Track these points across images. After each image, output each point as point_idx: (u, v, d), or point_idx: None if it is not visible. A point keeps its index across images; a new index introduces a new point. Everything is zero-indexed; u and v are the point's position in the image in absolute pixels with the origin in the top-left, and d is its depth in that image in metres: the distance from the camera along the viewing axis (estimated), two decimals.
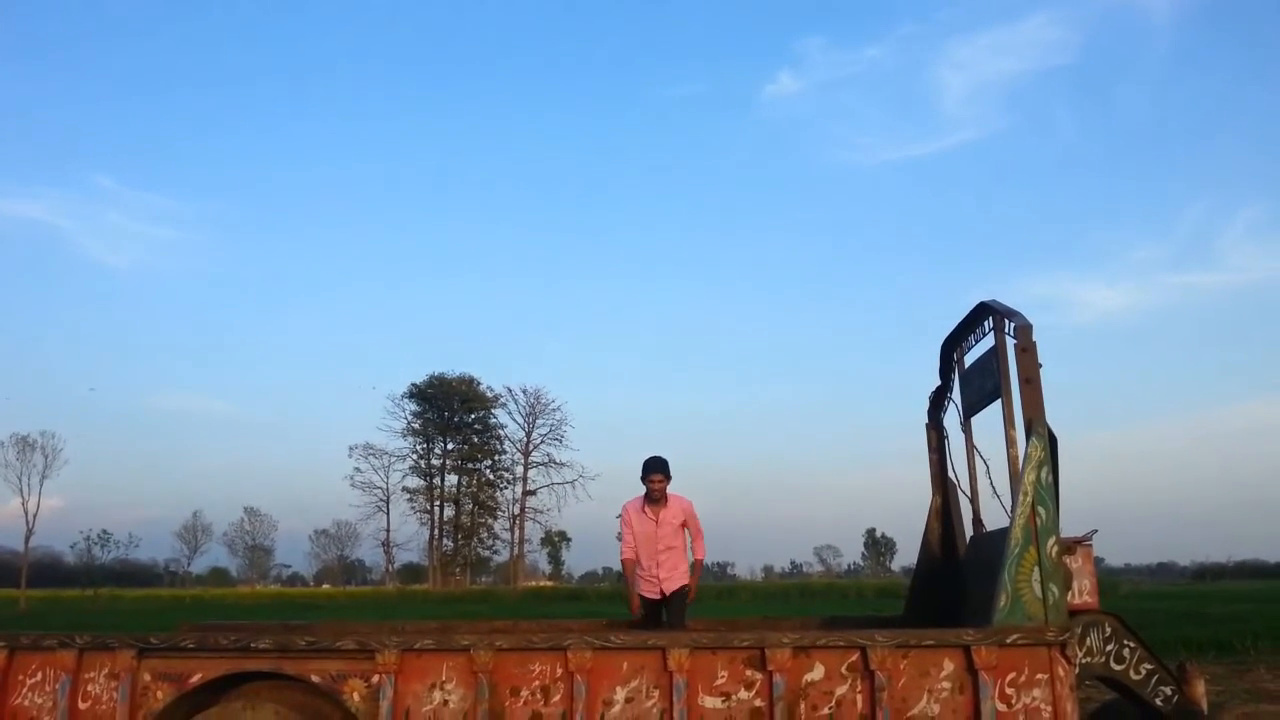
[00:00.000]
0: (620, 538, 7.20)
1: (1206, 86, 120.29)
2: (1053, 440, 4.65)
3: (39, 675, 4.43)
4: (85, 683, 4.40)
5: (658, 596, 6.90)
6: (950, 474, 6.06)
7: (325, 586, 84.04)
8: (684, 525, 7.06)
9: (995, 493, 5.16)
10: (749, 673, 4.25)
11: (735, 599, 45.51)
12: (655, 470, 6.88)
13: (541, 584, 74.13)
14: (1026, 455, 4.57)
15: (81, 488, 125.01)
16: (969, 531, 5.86)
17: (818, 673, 4.24)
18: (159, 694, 4.36)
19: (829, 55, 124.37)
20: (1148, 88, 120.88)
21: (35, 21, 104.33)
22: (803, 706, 4.20)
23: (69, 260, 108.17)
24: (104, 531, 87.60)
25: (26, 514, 56.32)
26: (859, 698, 4.21)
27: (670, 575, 6.94)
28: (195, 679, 4.38)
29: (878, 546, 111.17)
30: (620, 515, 7.16)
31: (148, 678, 4.39)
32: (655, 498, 6.90)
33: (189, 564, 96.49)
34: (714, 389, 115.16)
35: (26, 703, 4.43)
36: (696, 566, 7.14)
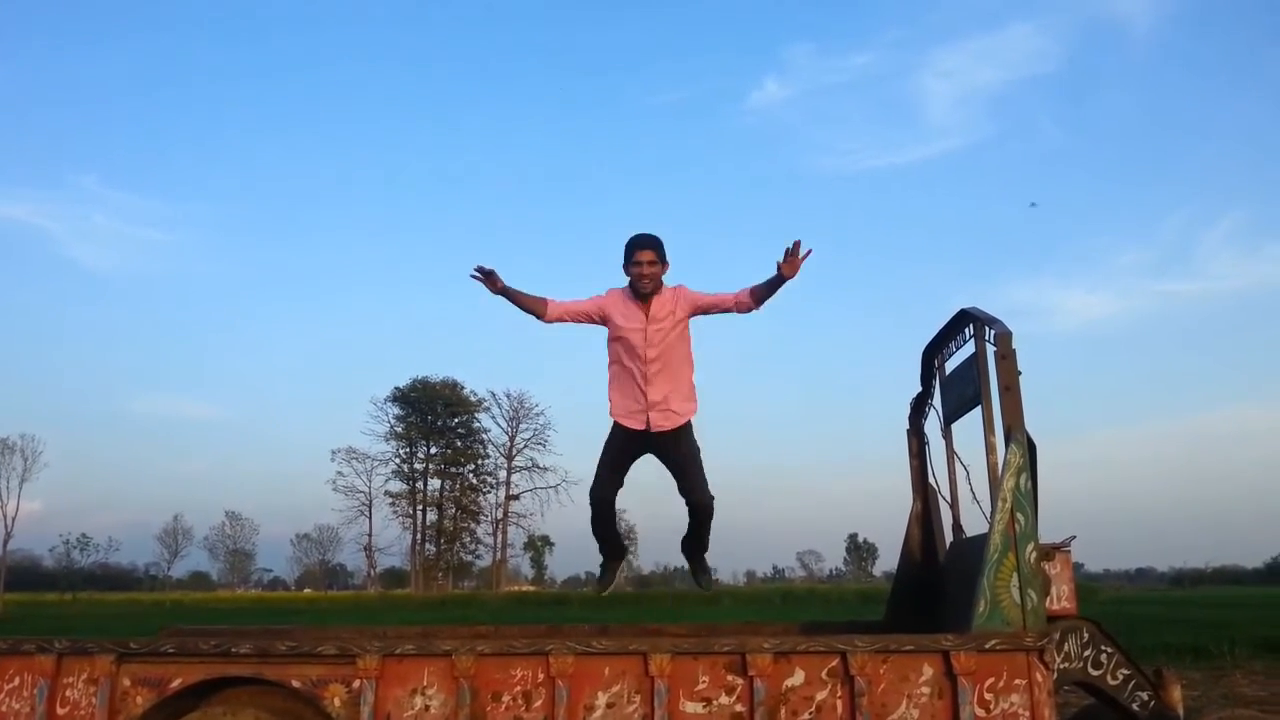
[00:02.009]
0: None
1: (1187, 95, 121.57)
2: (1032, 447, 4.69)
3: (16, 680, 4.40)
4: (64, 688, 4.37)
5: (642, 428, 5.07)
6: (931, 480, 6.10)
7: (307, 591, 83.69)
8: (686, 323, 5.09)
9: (975, 499, 5.19)
10: (730, 678, 4.27)
11: (717, 604, 45.50)
12: (644, 246, 5.00)
13: (524, 589, 74.06)
14: (1006, 462, 4.61)
15: (61, 491, 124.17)
16: (949, 537, 5.89)
17: (798, 678, 4.26)
18: (138, 699, 4.34)
19: (816, 62, 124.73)
20: (1129, 96, 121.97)
21: (17, 21, 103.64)
22: (783, 712, 4.22)
23: (49, 261, 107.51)
24: (83, 535, 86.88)
25: (5, 517, 56.08)
26: (839, 703, 4.23)
27: (663, 401, 5.02)
28: (175, 684, 4.36)
29: (860, 551, 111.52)
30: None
31: (127, 683, 4.36)
32: (644, 290, 4.99)
33: (169, 568, 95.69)
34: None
35: (4, 708, 4.40)
36: (756, 289, 5.02)
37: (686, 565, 5.75)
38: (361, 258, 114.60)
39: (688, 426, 5.14)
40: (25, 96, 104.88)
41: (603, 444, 5.27)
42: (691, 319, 5.15)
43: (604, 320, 5.11)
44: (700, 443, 5.28)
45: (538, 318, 5.10)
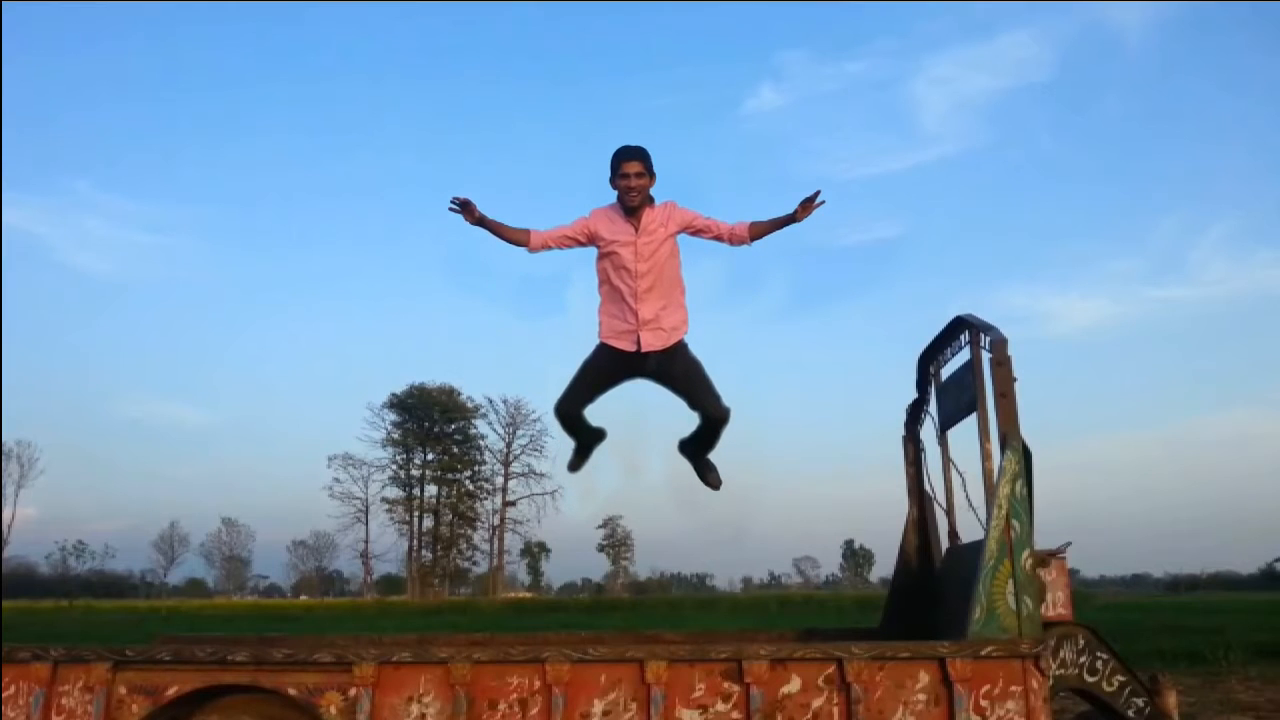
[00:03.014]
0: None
1: (1179, 102, 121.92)
2: (1027, 454, 4.70)
3: (12, 689, 4.38)
4: (59, 696, 4.36)
5: (632, 349, 4.88)
6: (927, 486, 6.11)
7: (303, 598, 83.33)
8: (676, 241, 4.93)
9: (971, 505, 5.20)
10: (726, 685, 4.27)
11: (714, 610, 45.42)
12: (630, 158, 4.79)
13: (521, 596, 73.87)
14: (1001, 468, 4.62)
15: (57, 497, 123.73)
16: (945, 544, 5.90)
17: (794, 685, 4.26)
18: (134, 707, 4.33)
19: (811, 69, 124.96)
20: (1123, 103, 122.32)
21: (11, 27, 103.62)
22: (780, 719, 4.22)
23: (44, 266, 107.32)
24: (80, 542, 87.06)
25: (1, 524, 55.82)
26: (835, 710, 4.23)
27: (655, 319, 4.85)
28: (171, 692, 4.36)
29: (856, 558, 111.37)
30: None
31: (123, 691, 4.36)
32: (631, 203, 4.81)
33: (165, 575, 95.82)
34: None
35: None
36: (756, 226, 4.93)
37: (690, 465, 5.42)
38: (358, 263, 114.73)
39: (682, 344, 4.95)
40: (21, 101, 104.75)
41: (582, 362, 5.05)
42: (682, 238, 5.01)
43: (591, 239, 4.93)
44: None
45: (522, 248, 4.95)
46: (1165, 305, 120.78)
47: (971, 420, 5.18)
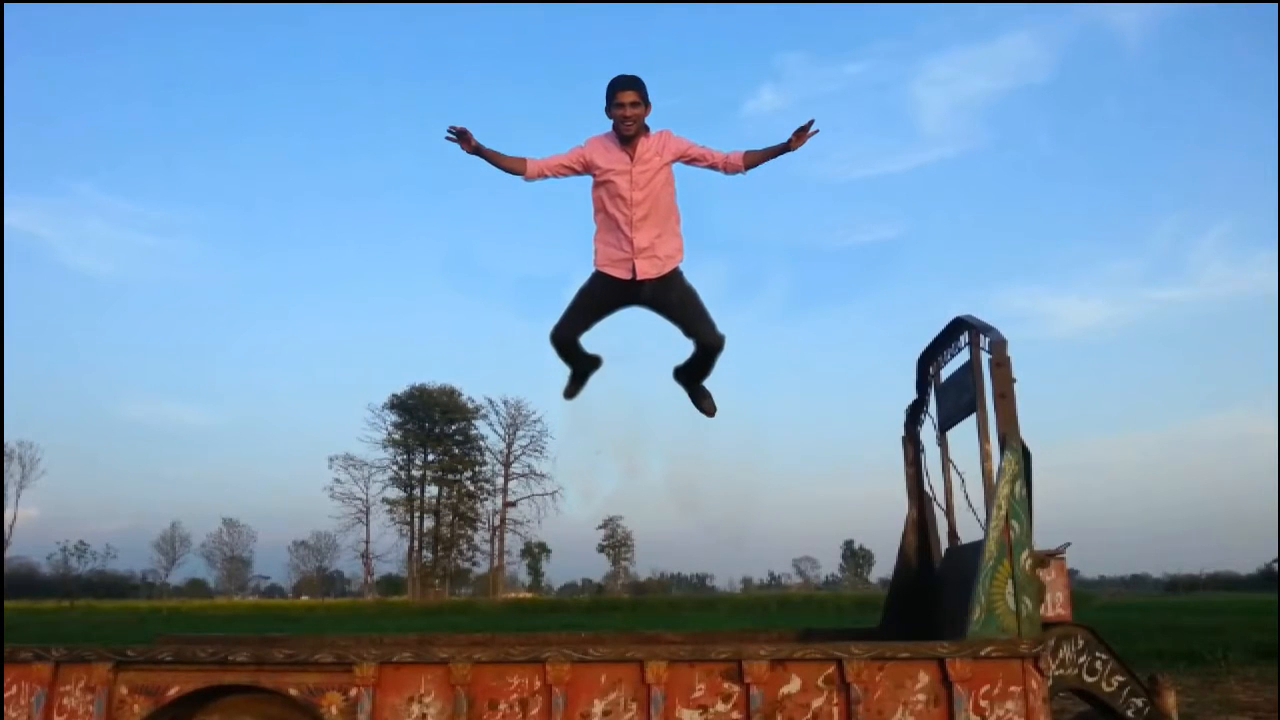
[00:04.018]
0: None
1: (1179, 104, 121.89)
2: (1026, 454, 4.71)
3: (14, 689, 4.40)
4: (60, 696, 4.38)
5: (628, 277, 4.91)
6: (926, 487, 6.12)
7: (304, 598, 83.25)
8: (671, 170, 4.93)
9: (970, 506, 5.21)
10: (726, 685, 4.28)
11: (714, 611, 45.43)
12: (626, 87, 4.78)
13: (521, 596, 73.86)
14: (1001, 469, 4.63)
15: (58, 498, 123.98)
16: (945, 544, 5.91)
17: (794, 685, 4.27)
18: (135, 707, 4.35)
19: (810, 71, 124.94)
20: (1121, 105, 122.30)
21: (11, 28, 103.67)
22: (780, 719, 4.23)
23: (46, 267, 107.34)
24: (81, 542, 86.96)
25: (3, 525, 55.95)
26: (835, 710, 4.24)
27: (650, 248, 4.88)
28: (172, 692, 4.37)
29: (856, 558, 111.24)
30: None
31: (124, 691, 4.37)
32: (627, 132, 4.80)
33: (166, 575, 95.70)
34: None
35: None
36: (751, 154, 4.93)
37: (685, 393, 5.46)
38: (359, 264, 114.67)
39: (677, 271, 4.97)
40: (23, 103, 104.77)
41: (578, 290, 5.08)
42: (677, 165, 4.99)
43: (587, 167, 4.93)
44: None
45: (519, 176, 4.94)
46: (1164, 306, 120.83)
47: (971, 421, 5.19)
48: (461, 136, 4.79)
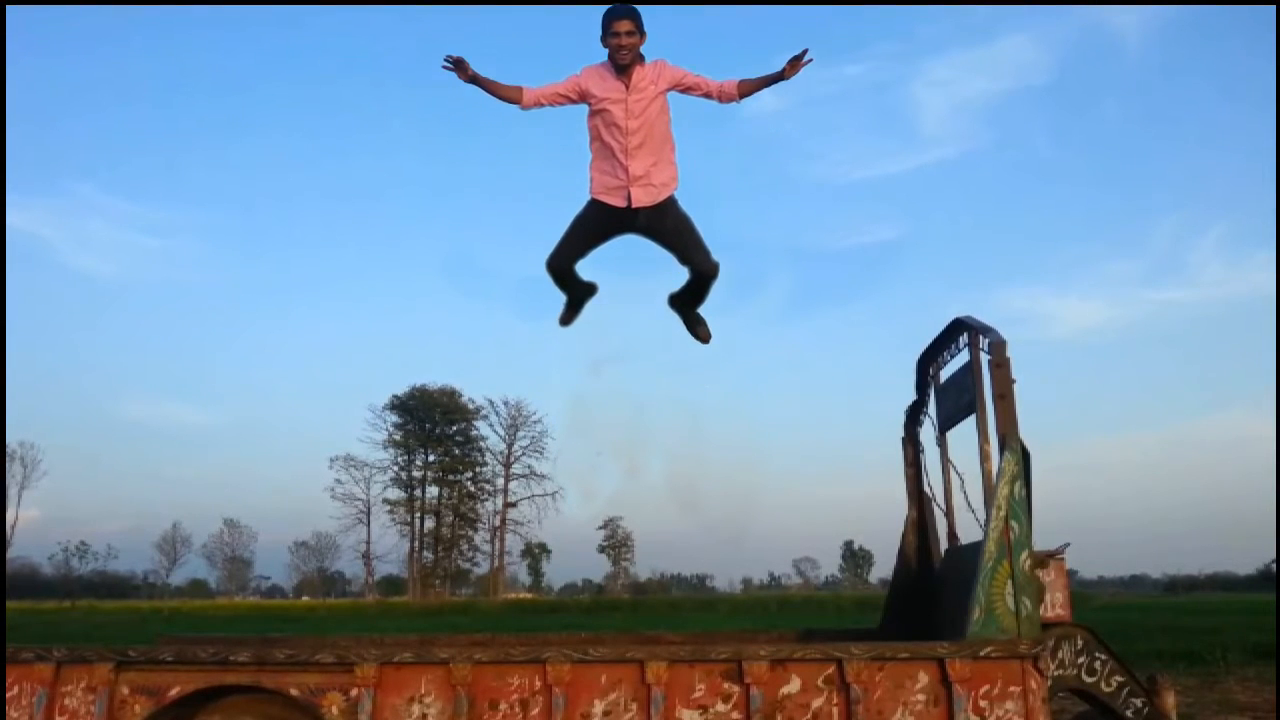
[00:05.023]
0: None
1: (1178, 105, 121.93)
2: (1026, 455, 4.71)
3: (15, 689, 4.41)
4: (62, 696, 4.39)
5: (623, 204, 4.91)
6: (926, 487, 6.12)
7: (304, 599, 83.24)
8: (666, 98, 4.93)
9: (970, 506, 5.22)
10: (726, 685, 4.29)
11: (714, 611, 45.43)
12: (621, 16, 4.76)
13: (521, 596, 73.84)
14: (1000, 470, 4.64)
15: (60, 498, 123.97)
16: (945, 544, 5.92)
17: (794, 685, 4.28)
18: (137, 707, 4.36)
19: (809, 72, 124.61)
20: (1121, 107, 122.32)
21: (13, 29, 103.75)
22: (780, 719, 4.24)
23: (47, 268, 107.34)
24: (82, 543, 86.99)
25: (4, 525, 55.97)
26: (835, 710, 4.25)
27: (645, 176, 4.88)
28: (174, 692, 4.38)
29: (856, 559, 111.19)
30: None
31: (126, 691, 4.38)
32: (622, 61, 4.79)
33: (168, 576, 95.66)
34: (692, 402, 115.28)
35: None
36: (745, 82, 4.92)
37: (679, 318, 5.48)
38: (360, 265, 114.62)
39: (672, 199, 4.99)
40: (25, 104, 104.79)
41: (574, 218, 5.11)
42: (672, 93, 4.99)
43: (583, 96, 4.94)
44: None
45: (515, 104, 4.95)
46: (1164, 307, 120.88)
47: (970, 422, 5.20)
48: (458, 65, 4.81)
